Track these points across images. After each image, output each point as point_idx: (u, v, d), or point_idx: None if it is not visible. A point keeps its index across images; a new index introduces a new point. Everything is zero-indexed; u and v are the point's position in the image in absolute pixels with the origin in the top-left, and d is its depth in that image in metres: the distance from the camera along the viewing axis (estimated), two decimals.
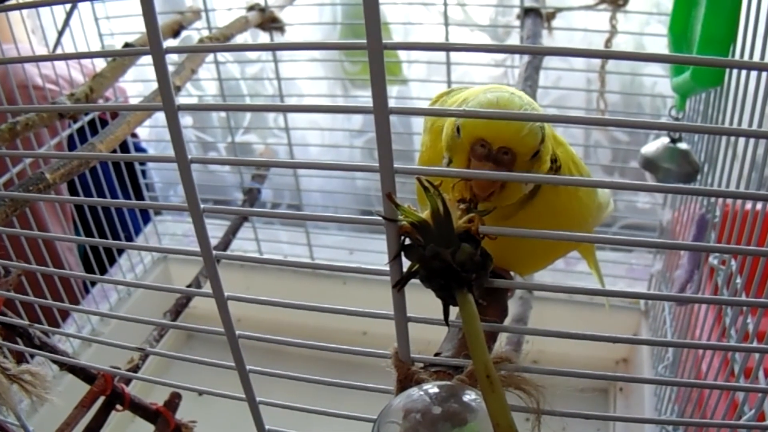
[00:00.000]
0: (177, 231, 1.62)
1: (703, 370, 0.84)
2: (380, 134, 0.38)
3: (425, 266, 0.41)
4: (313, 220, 1.55)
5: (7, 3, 0.88)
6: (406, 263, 0.44)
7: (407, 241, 0.42)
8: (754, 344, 0.64)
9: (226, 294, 0.50)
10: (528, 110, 0.50)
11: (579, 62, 1.45)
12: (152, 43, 0.39)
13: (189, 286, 1.18)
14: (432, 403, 0.41)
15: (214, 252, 0.48)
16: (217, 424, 1.00)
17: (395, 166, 0.40)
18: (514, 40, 1.38)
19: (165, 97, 0.41)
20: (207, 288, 0.51)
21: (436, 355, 0.50)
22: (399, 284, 0.44)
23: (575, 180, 0.58)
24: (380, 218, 0.42)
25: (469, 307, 0.40)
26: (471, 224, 0.40)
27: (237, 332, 0.52)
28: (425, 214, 0.41)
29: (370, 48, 0.36)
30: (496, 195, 0.49)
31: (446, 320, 0.44)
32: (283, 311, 1.44)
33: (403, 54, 1.61)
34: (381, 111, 0.38)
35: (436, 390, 0.43)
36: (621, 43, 1.29)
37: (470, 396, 0.42)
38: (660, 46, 1.35)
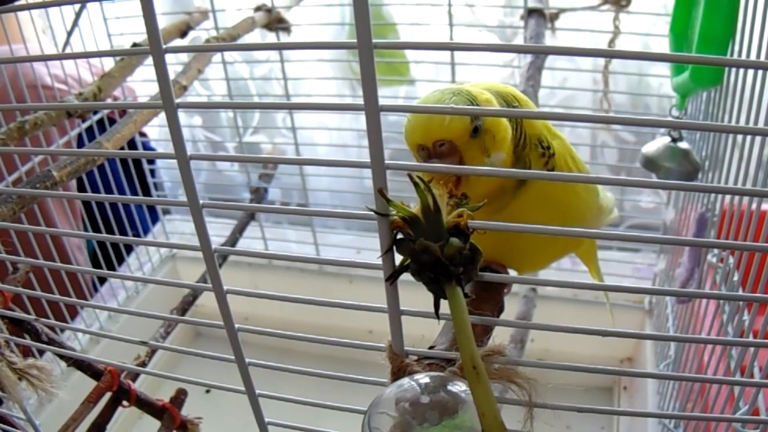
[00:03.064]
0: (185, 230, 1.64)
1: (704, 361, 0.84)
2: (371, 131, 0.39)
3: (415, 260, 0.42)
4: (312, 215, 1.55)
5: (17, 3, 0.89)
6: (398, 258, 0.45)
7: (399, 236, 0.43)
8: (750, 339, 0.65)
9: (225, 288, 0.51)
10: (450, 98, 0.53)
11: (585, 63, 1.45)
12: (152, 42, 0.40)
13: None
14: (421, 393, 0.42)
15: (213, 246, 0.49)
16: (223, 420, 1.01)
17: (386, 162, 0.40)
18: (521, 40, 1.38)
19: (164, 95, 0.42)
20: None
21: (430, 348, 0.51)
22: (391, 278, 0.44)
23: (576, 177, 0.59)
24: (373, 213, 0.42)
25: (458, 300, 0.41)
26: (460, 219, 0.41)
27: (236, 326, 0.53)
28: (416, 208, 0.42)
29: (361, 47, 0.37)
30: (464, 183, 0.51)
31: (437, 313, 0.45)
32: (290, 310, 1.46)
33: (410, 55, 1.62)
34: (371, 108, 0.39)
35: (426, 380, 0.44)
36: (628, 45, 1.29)
37: (460, 387, 0.43)
38: (666, 46, 1.35)
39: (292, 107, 1.62)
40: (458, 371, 0.46)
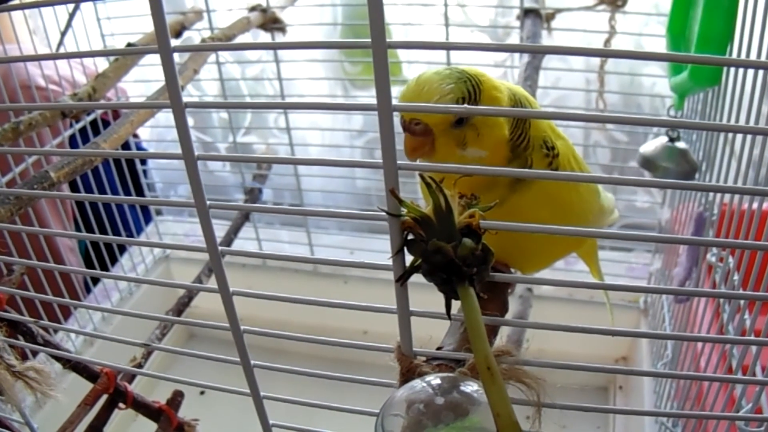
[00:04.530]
0: (178, 231, 1.63)
1: (701, 366, 0.84)
2: (384, 131, 0.39)
3: (427, 261, 0.42)
4: (318, 216, 1.55)
5: (9, 3, 0.88)
6: (408, 259, 0.44)
7: (410, 236, 0.43)
8: (751, 337, 0.65)
9: (231, 289, 0.51)
10: (449, 82, 0.52)
11: (578, 63, 1.46)
12: (160, 42, 0.40)
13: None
14: (435, 394, 0.42)
15: (220, 247, 0.48)
16: (219, 422, 1.01)
17: (398, 162, 0.40)
18: (513, 40, 1.38)
19: (173, 95, 0.42)
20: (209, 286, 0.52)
21: (438, 349, 0.51)
22: (402, 278, 0.44)
23: (577, 176, 0.59)
24: (384, 213, 0.42)
25: (471, 301, 0.41)
26: (472, 219, 0.41)
27: (242, 327, 0.53)
28: (427, 209, 0.42)
29: (375, 46, 0.37)
30: (427, 158, 0.51)
31: (448, 314, 0.44)
32: (286, 311, 1.45)
33: (403, 55, 1.62)
34: (385, 108, 0.39)
35: (438, 381, 0.44)
36: (620, 44, 1.29)
37: (472, 387, 0.43)
38: (659, 46, 1.35)
39: (300, 107, 1.62)
40: (468, 372, 0.46)
